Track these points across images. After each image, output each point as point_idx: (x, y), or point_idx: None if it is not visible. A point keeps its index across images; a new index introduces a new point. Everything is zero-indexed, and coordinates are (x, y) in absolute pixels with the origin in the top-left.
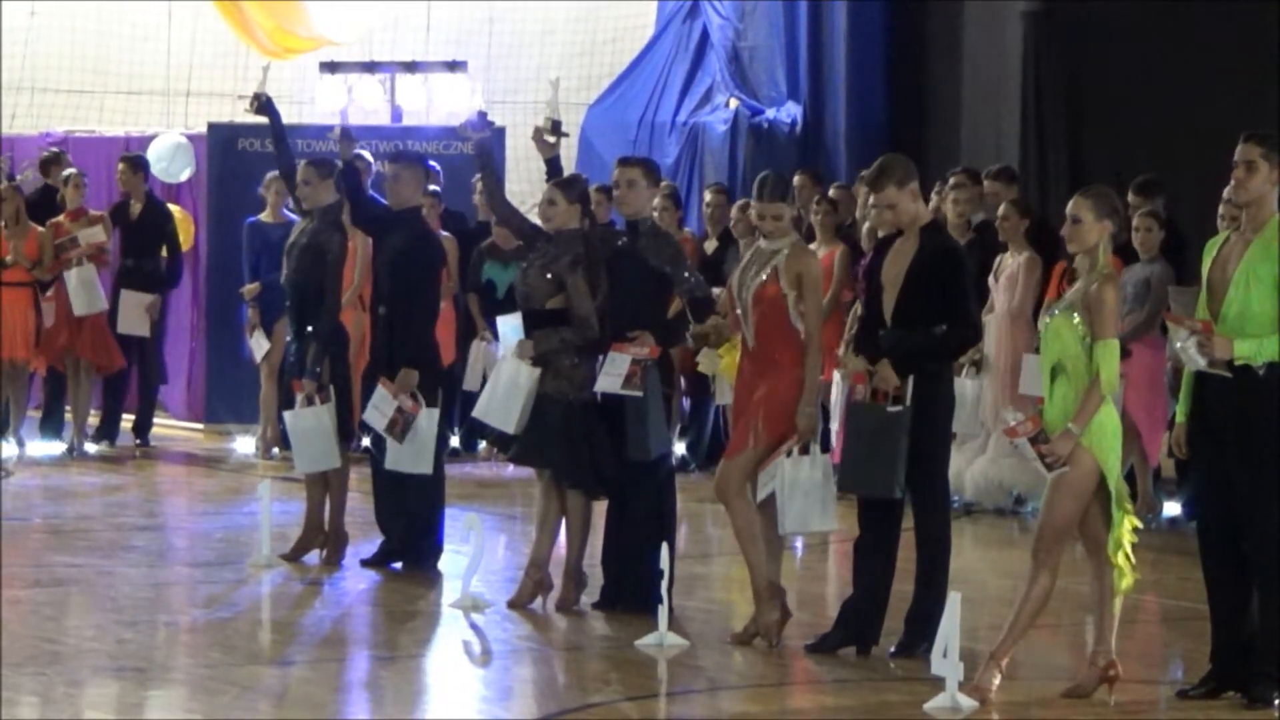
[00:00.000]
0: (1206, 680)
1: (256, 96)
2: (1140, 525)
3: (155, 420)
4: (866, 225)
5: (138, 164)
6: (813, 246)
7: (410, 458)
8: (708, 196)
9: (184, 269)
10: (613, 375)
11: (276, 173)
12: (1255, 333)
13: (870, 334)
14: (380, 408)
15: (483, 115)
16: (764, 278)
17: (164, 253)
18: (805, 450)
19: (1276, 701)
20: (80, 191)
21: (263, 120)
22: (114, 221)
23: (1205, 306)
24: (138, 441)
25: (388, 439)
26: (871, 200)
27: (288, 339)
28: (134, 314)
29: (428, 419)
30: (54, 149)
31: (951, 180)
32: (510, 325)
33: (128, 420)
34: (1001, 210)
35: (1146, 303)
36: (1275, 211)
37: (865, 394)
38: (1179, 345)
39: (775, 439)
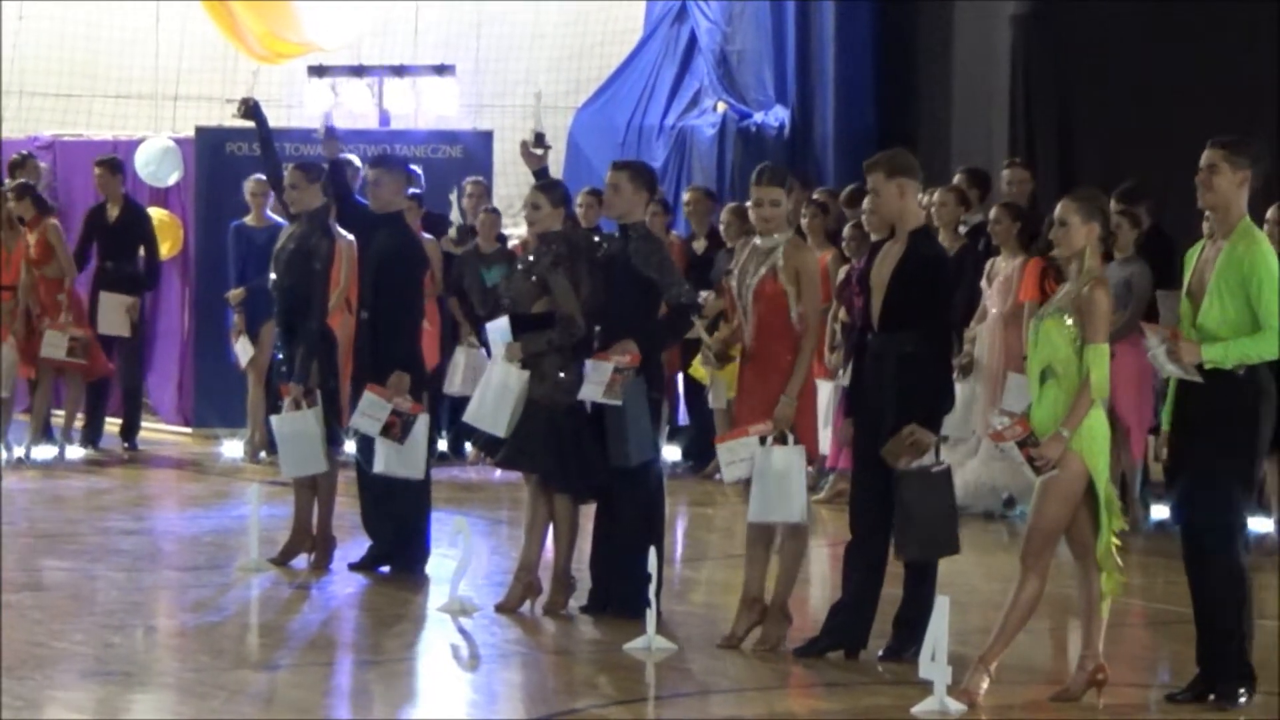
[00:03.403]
0: (1194, 684)
1: (244, 101)
2: (1125, 528)
3: (144, 424)
4: (846, 230)
5: (114, 167)
6: None
7: (402, 462)
8: (686, 196)
9: (161, 271)
10: (595, 383)
11: (258, 176)
12: (1230, 337)
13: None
14: (370, 413)
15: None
16: (762, 274)
17: (142, 254)
18: (781, 439)
19: (1241, 700)
20: (24, 202)
21: (251, 124)
22: (92, 225)
23: (1187, 314)
24: (125, 445)
25: (382, 443)
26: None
27: (275, 342)
28: (113, 315)
29: (420, 423)
30: (21, 152)
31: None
32: (498, 330)
33: (114, 425)
34: (993, 214)
35: (1129, 304)
36: (1244, 215)
37: (910, 463)
38: (1150, 354)
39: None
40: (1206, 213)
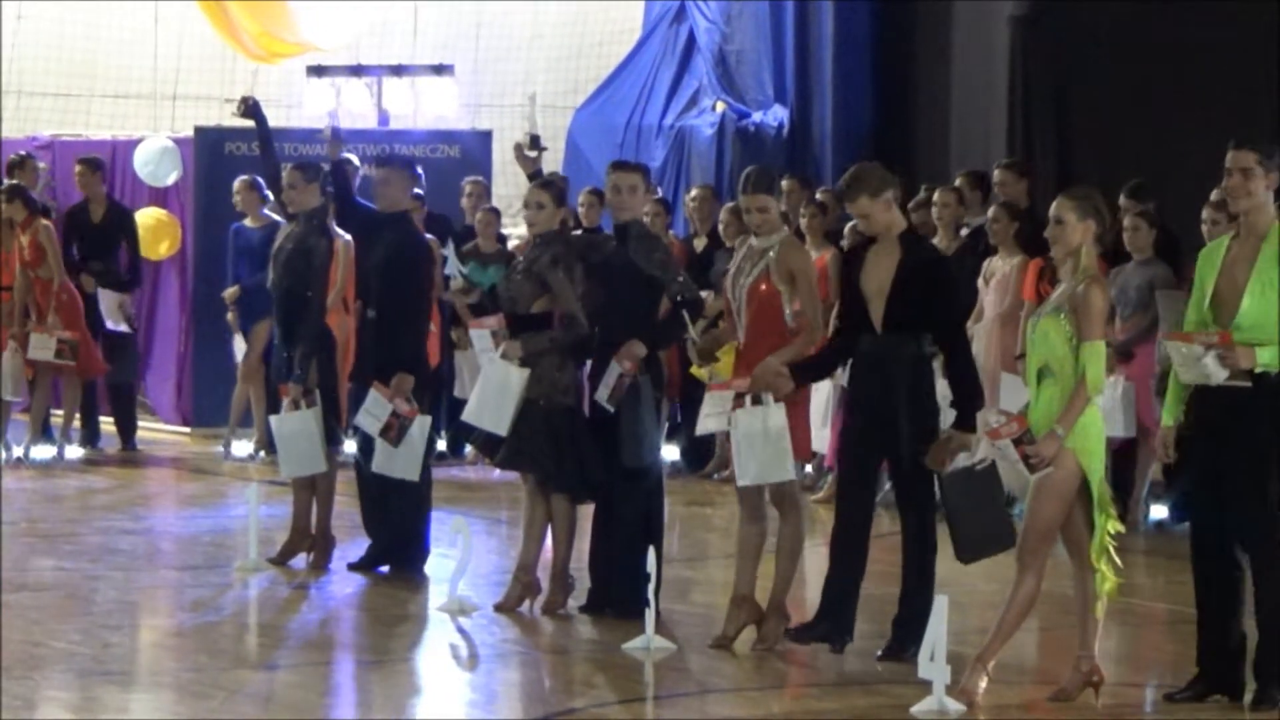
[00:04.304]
0: (1194, 683)
1: (244, 100)
2: (1121, 529)
3: (143, 424)
4: (847, 229)
5: (95, 165)
6: None
7: (400, 463)
8: (694, 193)
9: (143, 269)
10: (605, 385)
11: (243, 177)
12: (1272, 338)
13: (847, 341)
14: (373, 412)
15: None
16: (756, 275)
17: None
18: (758, 400)
19: None
20: (14, 204)
21: (250, 124)
22: (75, 225)
23: (1208, 313)
24: (124, 446)
25: (378, 442)
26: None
27: (275, 342)
28: (112, 311)
29: (419, 425)
30: (19, 153)
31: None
32: (484, 332)
33: (110, 425)
34: (991, 213)
35: (1150, 306)
36: (1275, 216)
37: (954, 465)
38: (1197, 362)
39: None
40: (1206, 211)
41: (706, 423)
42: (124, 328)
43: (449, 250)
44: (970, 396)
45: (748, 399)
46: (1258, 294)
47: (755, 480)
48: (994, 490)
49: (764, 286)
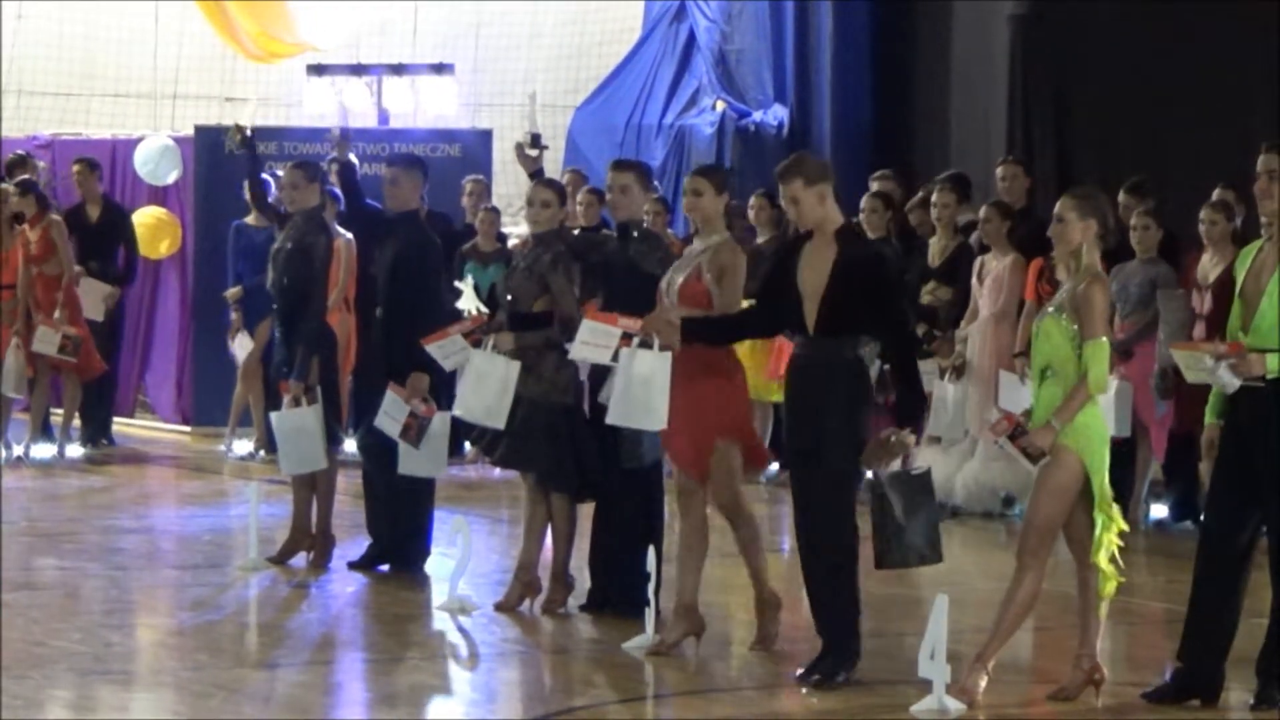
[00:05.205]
0: (1175, 680)
1: (240, 131)
2: (1125, 528)
3: (143, 423)
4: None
5: (93, 165)
6: None
7: (424, 462)
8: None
9: (139, 268)
10: (597, 346)
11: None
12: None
13: (756, 323)
14: (392, 414)
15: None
16: (688, 273)
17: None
18: (645, 345)
19: None
20: (27, 198)
21: (248, 127)
22: (72, 225)
23: (1237, 313)
24: (102, 440)
25: (400, 444)
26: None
27: (275, 340)
28: (93, 299)
29: (440, 422)
30: (18, 152)
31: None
32: (452, 339)
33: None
34: (983, 213)
35: (1151, 304)
36: None
37: (890, 466)
38: (1210, 373)
39: (732, 433)
40: (1204, 212)
41: (582, 350)
42: (98, 316)
43: (467, 284)
44: (913, 399)
45: (635, 340)
46: (1275, 297)
47: (620, 421)
48: (930, 498)
49: (693, 285)
